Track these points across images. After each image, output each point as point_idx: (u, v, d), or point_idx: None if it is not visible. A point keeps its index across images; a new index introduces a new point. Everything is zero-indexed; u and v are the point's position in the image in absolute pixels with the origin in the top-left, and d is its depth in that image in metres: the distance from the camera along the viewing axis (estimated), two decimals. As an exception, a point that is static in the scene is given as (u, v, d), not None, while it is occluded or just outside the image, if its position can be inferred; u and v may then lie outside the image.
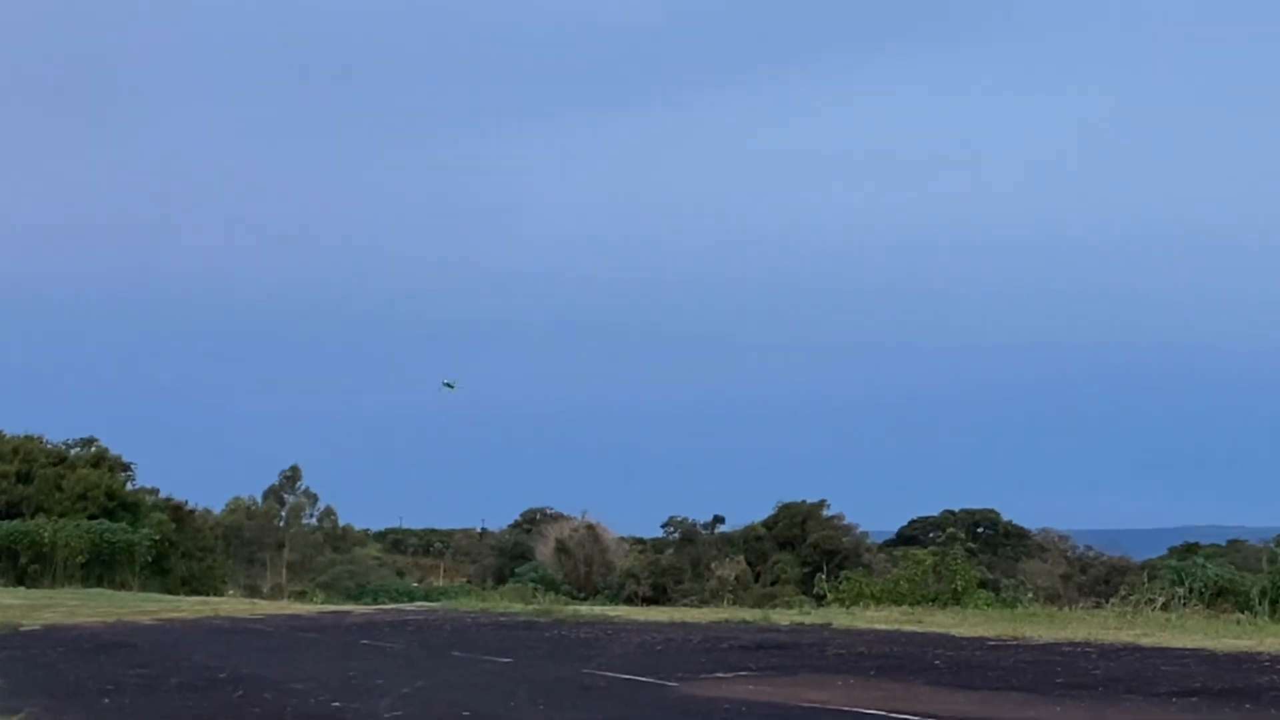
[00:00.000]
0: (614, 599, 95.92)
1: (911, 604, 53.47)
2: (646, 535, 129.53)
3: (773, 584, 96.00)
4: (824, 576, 67.74)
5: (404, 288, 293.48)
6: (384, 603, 75.18)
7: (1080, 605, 50.15)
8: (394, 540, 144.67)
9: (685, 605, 69.35)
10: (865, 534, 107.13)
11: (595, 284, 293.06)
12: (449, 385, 75.03)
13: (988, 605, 55.08)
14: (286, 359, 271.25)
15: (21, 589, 68.04)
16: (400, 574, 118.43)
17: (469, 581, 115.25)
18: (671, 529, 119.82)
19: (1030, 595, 58.27)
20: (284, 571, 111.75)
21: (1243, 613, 42.55)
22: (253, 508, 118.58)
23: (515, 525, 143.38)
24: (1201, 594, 46.35)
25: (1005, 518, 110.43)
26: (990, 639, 36.45)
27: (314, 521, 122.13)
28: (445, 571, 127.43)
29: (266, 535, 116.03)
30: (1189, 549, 69.20)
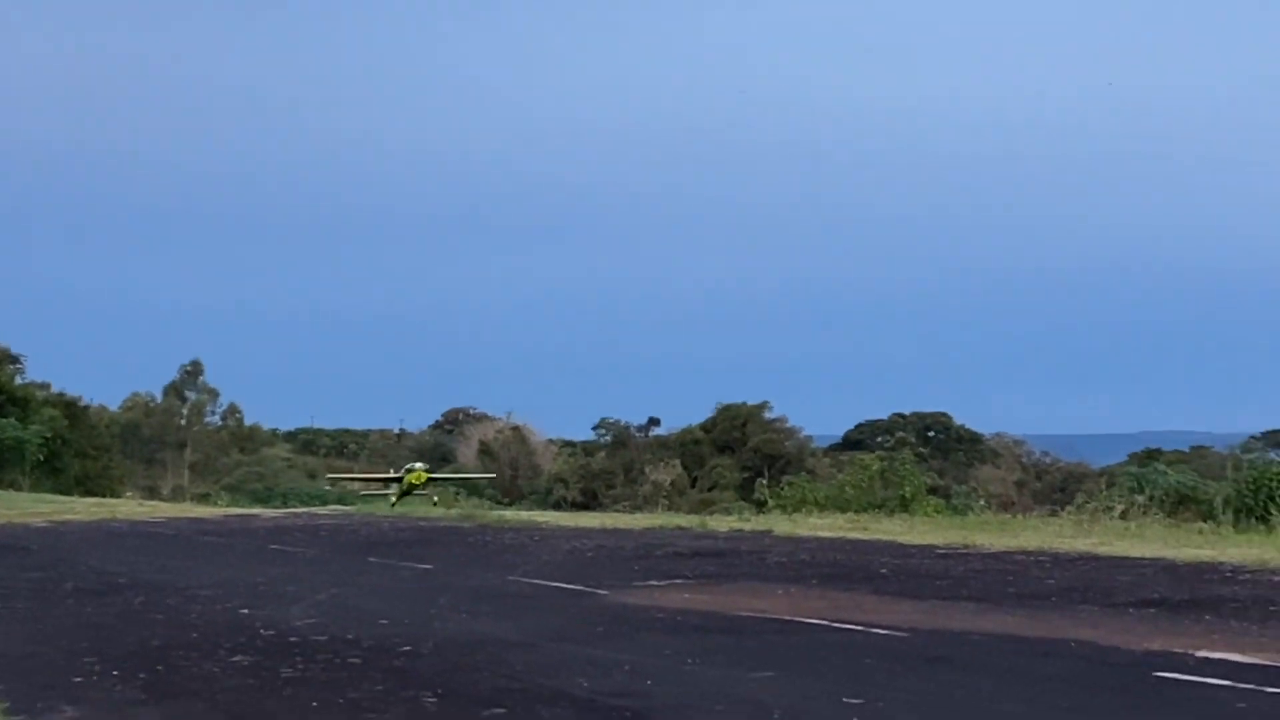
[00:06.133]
0: (541, 504, 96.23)
1: (857, 511, 54.05)
2: (576, 438, 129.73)
3: (710, 490, 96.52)
4: (765, 482, 68.30)
5: (318, 172, 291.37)
6: (294, 506, 75.27)
7: (1035, 513, 50.76)
8: (305, 441, 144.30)
9: (617, 511, 69.77)
10: (809, 438, 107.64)
11: (522, 176, 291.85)
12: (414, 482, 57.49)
13: (937, 512, 55.75)
14: (189, 247, 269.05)
15: (-97, 488, 67.67)
16: (312, 476, 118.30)
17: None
18: (603, 431, 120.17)
19: (982, 502, 59.04)
20: (186, 473, 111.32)
21: (1205, 522, 43.18)
22: (152, 405, 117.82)
23: (436, 426, 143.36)
24: (1162, 502, 47.04)
25: (957, 422, 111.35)
26: (940, 547, 36.87)
27: (218, 420, 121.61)
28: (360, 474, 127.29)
29: (167, 434, 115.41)
30: (1150, 455, 70.00)
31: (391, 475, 58.95)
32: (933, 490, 62.75)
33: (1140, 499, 47.65)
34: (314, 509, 68.31)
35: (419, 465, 51.52)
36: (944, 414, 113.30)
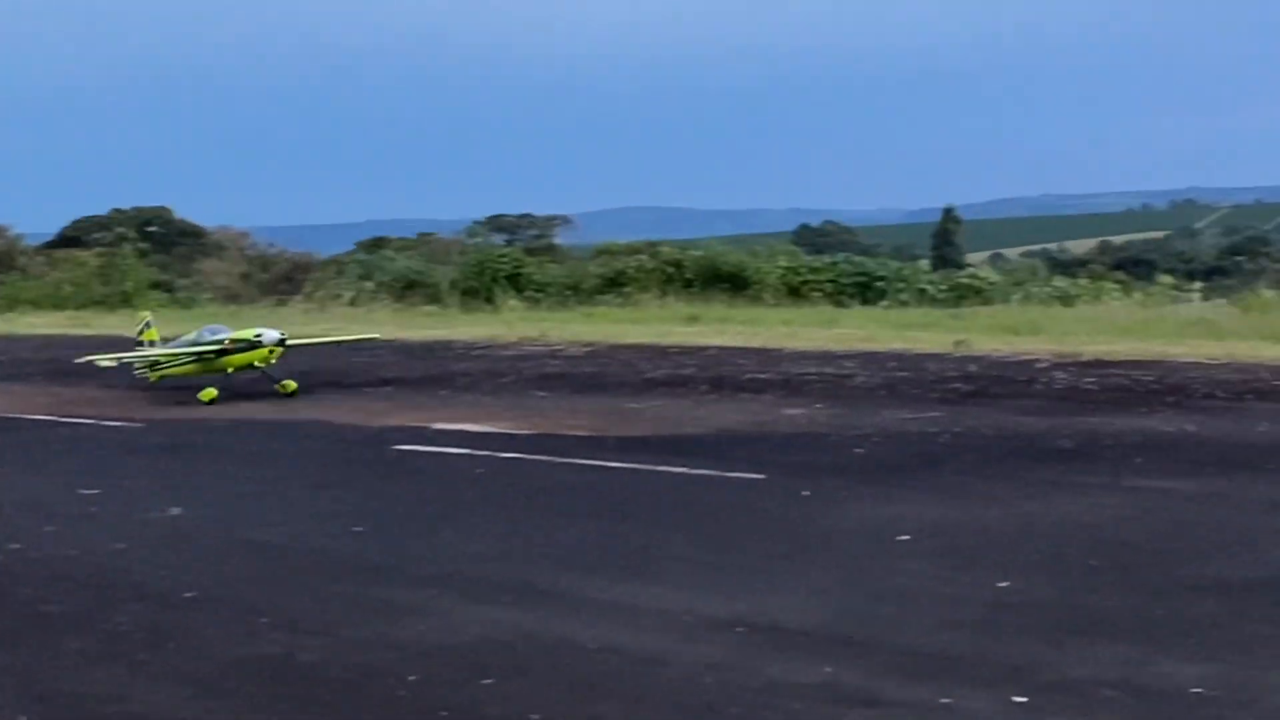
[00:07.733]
0: None
1: (77, 308, 52.62)
2: None
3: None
4: (-25, 282, 65.27)
5: None
6: None
7: (263, 303, 50.73)
8: None
9: None
10: (20, 236, 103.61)
11: None
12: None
13: (161, 306, 54.94)
14: None
15: None
16: None
17: None
18: None
19: (208, 295, 58.41)
20: None
21: (434, 304, 44.44)
22: None
23: None
24: (391, 287, 47.98)
25: (179, 216, 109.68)
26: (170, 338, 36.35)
27: None
28: None
29: None
30: (377, 243, 70.73)
31: (203, 348, 26.34)
32: (156, 285, 61.55)
33: (369, 285, 48.49)
34: None
35: (272, 334, 23.98)
36: (165, 208, 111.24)
